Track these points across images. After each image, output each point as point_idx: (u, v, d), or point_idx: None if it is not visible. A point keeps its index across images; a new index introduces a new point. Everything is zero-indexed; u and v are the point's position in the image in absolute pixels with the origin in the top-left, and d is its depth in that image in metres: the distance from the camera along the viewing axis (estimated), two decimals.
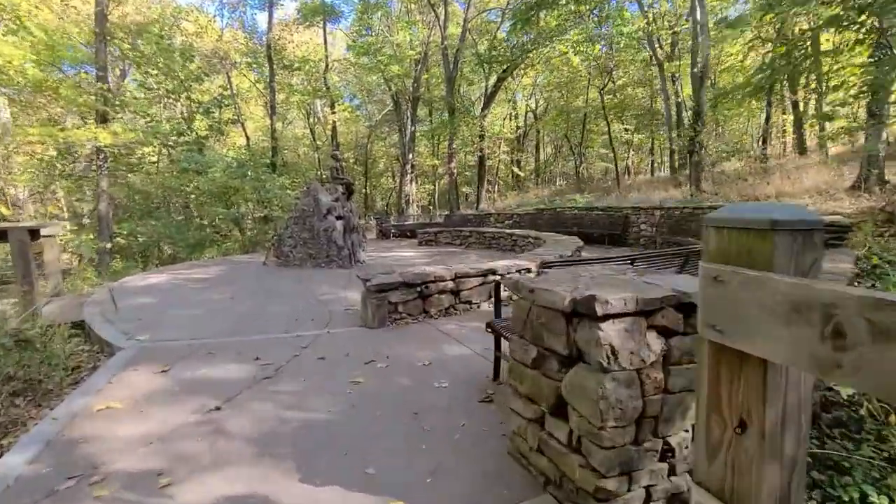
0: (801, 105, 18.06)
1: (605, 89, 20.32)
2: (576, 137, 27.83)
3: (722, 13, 18.77)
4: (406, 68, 22.99)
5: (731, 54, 18.80)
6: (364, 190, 31.90)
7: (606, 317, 1.63)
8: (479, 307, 5.27)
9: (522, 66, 22.44)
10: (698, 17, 16.64)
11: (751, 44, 18.24)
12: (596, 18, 18.17)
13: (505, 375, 3.19)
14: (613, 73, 20.31)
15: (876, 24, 7.76)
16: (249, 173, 13.20)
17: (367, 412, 2.80)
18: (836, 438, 2.46)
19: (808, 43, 11.59)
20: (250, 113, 30.30)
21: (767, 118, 17.00)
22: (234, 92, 23.75)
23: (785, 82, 13.99)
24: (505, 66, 21.45)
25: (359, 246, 9.77)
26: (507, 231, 11.99)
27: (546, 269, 2.78)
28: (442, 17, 21.65)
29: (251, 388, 3.21)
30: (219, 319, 5.17)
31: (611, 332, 1.64)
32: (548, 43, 19.82)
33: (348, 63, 26.85)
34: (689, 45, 17.98)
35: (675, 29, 18.92)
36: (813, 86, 15.08)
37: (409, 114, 25.02)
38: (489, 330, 3.08)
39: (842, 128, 10.13)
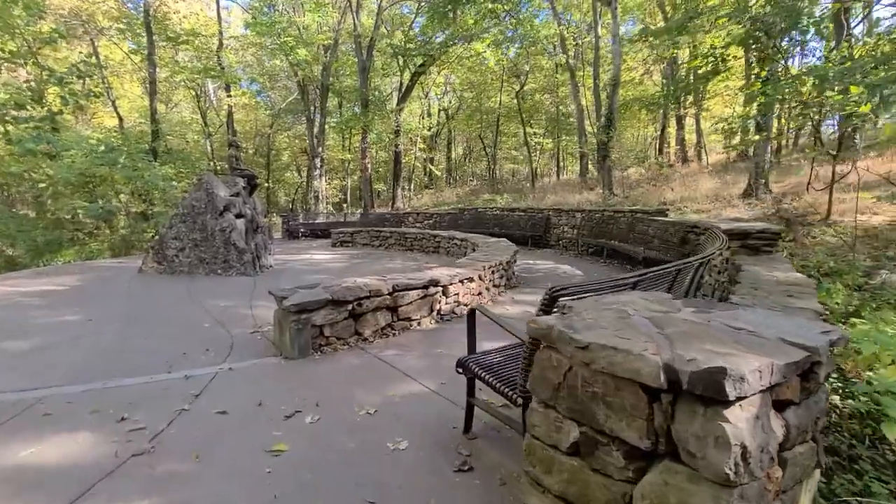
0: (689, 119, 20.11)
1: (521, 92, 20.62)
2: (489, 138, 28.21)
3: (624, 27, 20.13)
4: (314, 53, 21.28)
5: (629, 68, 20.23)
6: (267, 184, 29.20)
7: (736, 400, 1.02)
8: (419, 324, 4.53)
9: (438, 63, 22.00)
10: (599, 31, 17.65)
11: (645, 61, 19.84)
12: (512, 20, 18.29)
13: (479, 426, 2.52)
14: (528, 76, 20.69)
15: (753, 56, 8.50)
16: (122, 160, 10.89)
17: None
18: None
19: (691, 71, 12.70)
20: (125, 91, 26.02)
21: (663, 129, 18.53)
22: (102, 64, 20.04)
23: (683, 97, 15.29)
24: (422, 61, 20.80)
25: (265, 249, 8.44)
26: (430, 232, 11.37)
27: (563, 299, 2.15)
28: (354, 3, 20.35)
29: (112, 476, 2.14)
30: (68, 355, 3.79)
31: (741, 423, 1.03)
32: (464, 42, 19.62)
33: (247, 42, 24.21)
34: (592, 57, 19.05)
35: (585, 38, 19.86)
36: (708, 102, 16.77)
37: (318, 104, 23.27)
38: (461, 371, 2.37)
39: (734, 144, 11.15)
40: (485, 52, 20.59)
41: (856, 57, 7.94)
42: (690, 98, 17.43)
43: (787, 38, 8.87)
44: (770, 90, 8.29)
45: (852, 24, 10.36)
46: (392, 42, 21.86)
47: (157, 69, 18.61)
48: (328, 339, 3.87)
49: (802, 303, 2.97)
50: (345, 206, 27.16)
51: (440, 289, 4.67)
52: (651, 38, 10.67)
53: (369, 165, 22.09)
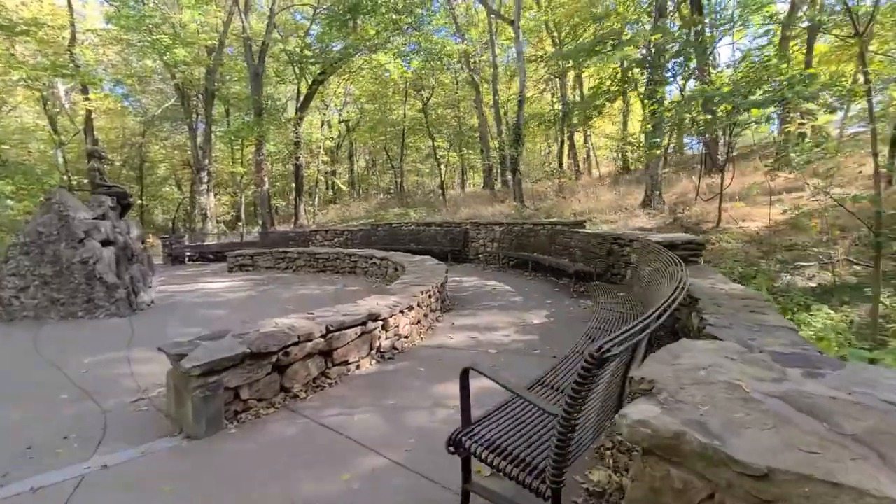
0: (577, 135, 21.78)
1: (426, 106, 20.54)
2: (394, 151, 27.76)
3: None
4: (196, 55, 19.01)
5: (532, 85, 21.35)
6: (140, 201, 25.47)
7: None
8: (357, 367, 3.84)
9: (339, 72, 21.07)
10: (496, 50, 18.38)
11: (541, 80, 21.09)
12: (415, 34, 18.18)
13: None
14: (433, 90, 20.70)
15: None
16: None
17: None
18: None
19: (593, 90, 13.74)
20: None
21: (561, 143, 19.73)
22: None
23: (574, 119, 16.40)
24: (321, 69, 19.69)
25: (142, 282, 6.94)
26: (345, 251, 10.51)
27: (605, 353, 1.68)
28: (242, 3, 18.65)
29: None
30: None
31: None
32: (366, 52, 19.02)
33: (110, 38, 20.88)
34: (490, 74, 19.77)
35: (482, 56, 20.48)
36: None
37: (201, 111, 20.84)
38: (453, 450, 1.82)
39: (637, 157, 12.09)
40: (388, 63, 20.26)
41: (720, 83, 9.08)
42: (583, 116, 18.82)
43: (672, 64, 9.83)
44: (670, 108, 9.01)
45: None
46: (287, 49, 20.43)
47: None
48: (246, 404, 3.03)
49: (771, 319, 2.93)
50: (239, 224, 24.58)
51: (380, 323, 4.03)
52: (558, 60, 11.19)
53: (266, 179, 20.26)
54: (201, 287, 8.80)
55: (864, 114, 8.62)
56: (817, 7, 12.08)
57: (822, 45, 13.99)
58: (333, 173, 25.91)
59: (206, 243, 14.54)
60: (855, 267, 6.10)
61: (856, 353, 3.27)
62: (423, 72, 21.33)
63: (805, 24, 11.88)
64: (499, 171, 20.77)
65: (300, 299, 7.11)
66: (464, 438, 1.80)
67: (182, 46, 17.61)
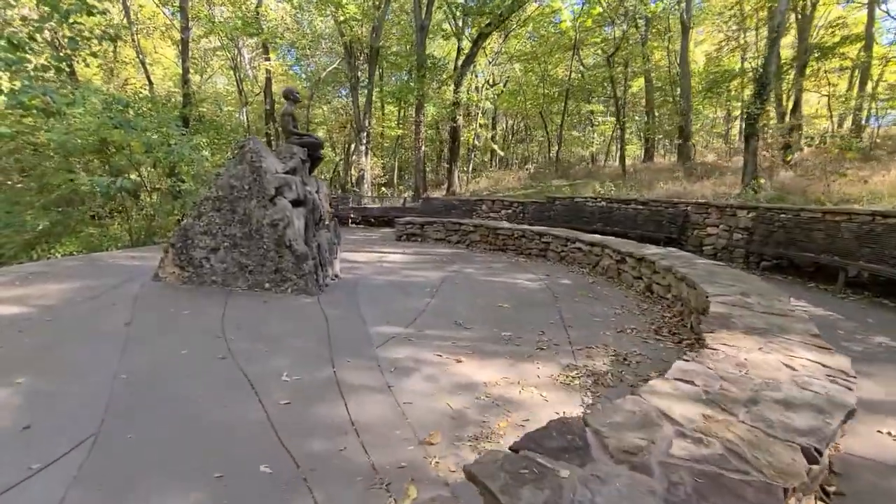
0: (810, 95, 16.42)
1: (615, 56, 17.29)
2: (551, 117, 24.95)
3: None
4: (364, 8, 18.41)
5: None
6: None
7: None
8: None
9: (503, 25, 18.83)
10: None
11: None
12: None
13: None
14: (624, 36, 17.27)
15: None
16: (142, 122, 8.46)
17: None
18: None
19: None
20: (158, 55, 23.83)
21: (796, 103, 14.97)
22: (132, 20, 17.68)
23: None
24: (488, 21, 17.67)
25: (330, 252, 5.86)
26: (531, 229, 8.61)
27: None
28: None
29: None
30: None
31: None
32: None
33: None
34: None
35: None
36: None
37: (364, 70, 20.52)
38: None
39: None
40: (561, 8, 17.49)
41: None
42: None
43: None
44: None
45: None
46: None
47: (191, 24, 16.20)
48: None
49: None
50: (384, 189, 24.45)
51: None
52: None
53: (423, 143, 19.34)
54: (378, 259, 7.68)
55: None
56: None
57: None
58: (492, 138, 24.15)
59: (368, 206, 13.96)
60: None
61: None
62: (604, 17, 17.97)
63: None
64: (745, 137, 16.84)
65: (506, 294, 5.37)
66: None
67: (353, 1, 17.08)
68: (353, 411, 2.57)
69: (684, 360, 2.15)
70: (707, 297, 3.42)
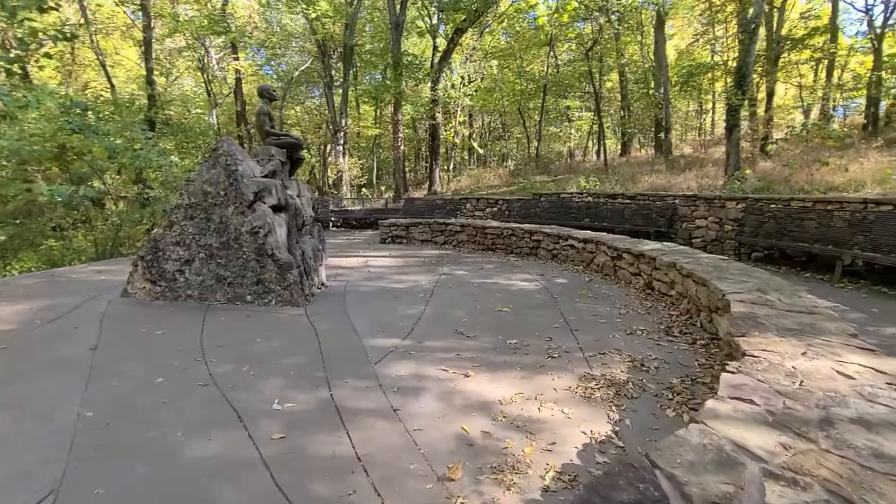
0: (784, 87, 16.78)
1: (593, 51, 17.28)
2: (529, 113, 24.92)
3: None
4: (336, 5, 17.92)
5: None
6: None
7: None
8: None
9: (478, 23, 18.63)
10: None
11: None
12: None
13: None
14: (601, 29, 17.24)
15: None
16: (104, 126, 7.88)
17: None
18: None
19: None
20: (118, 56, 22.71)
21: (769, 95, 15.24)
22: (89, 19, 16.73)
23: None
24: (463, 17, 17.44)
25: (313, 259, 5.51)
26: (521, 227, 8.41)
27: None
28: None
29: None
30: None
31: None
32: None
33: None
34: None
35: None
36: None
37: (339, 69, 20.02)
38: None
39: None
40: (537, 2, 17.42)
41: None
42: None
43: None
44: None
45: None
46: None
47: (153, 23, 15.44)
48: None
49: None
50: (364, 189, 23.98)
51: None
52: None
53: (402, 142, 18.98)
54: (365, 264, 7.35)
55: None
56: None
57: None
58: (470, 136, 23.94)
59: (349, 208, 13.55)
60: None
61: None
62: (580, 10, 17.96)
63: None
64: (726, 130, 17.01)
65: (504, 296, 5.14)
66: None
67: None
68: (358, 443, 2.28)
69: (730, 372, 1.94)
70: (724, 295, 3.25)
